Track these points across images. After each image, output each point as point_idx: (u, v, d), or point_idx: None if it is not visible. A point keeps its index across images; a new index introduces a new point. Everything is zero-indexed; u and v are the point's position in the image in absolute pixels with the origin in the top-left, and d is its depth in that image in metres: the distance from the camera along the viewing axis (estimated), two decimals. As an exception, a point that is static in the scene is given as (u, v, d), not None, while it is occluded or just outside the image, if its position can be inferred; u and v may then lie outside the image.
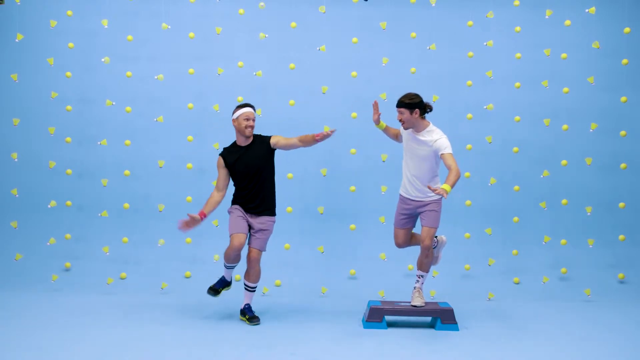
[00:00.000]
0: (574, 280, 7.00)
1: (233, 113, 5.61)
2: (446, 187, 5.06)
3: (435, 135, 5.35)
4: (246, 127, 5.51)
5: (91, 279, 6.87)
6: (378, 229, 6.96)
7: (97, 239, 7.26)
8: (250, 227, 5.59)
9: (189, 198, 6.98)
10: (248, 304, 5.62)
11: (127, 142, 7.04)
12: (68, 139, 6.95)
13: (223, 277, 5.75)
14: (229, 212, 5.61)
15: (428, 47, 6.99)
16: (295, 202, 7.11)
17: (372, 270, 6.92)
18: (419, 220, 5.67)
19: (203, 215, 5.48)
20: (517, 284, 6.97)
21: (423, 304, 5.50)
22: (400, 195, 5.60)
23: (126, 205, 7.00)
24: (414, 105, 5.32)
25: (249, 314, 5.55)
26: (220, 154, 5.63)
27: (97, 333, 5.13)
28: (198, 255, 7.28)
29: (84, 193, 7.43)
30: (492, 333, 5.31)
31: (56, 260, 7.11)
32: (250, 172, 5.52)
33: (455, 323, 5.38)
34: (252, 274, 5.58)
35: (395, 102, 5.42)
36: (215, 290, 5.69)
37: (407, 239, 5.69)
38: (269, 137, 5.61)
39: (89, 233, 7.37)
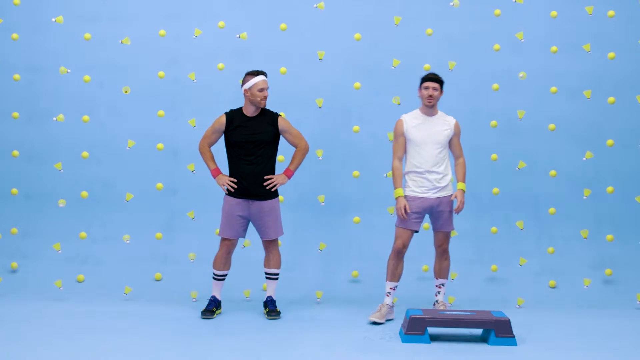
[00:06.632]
0: (621, 284, 6.68)
1: (243, 82, 5.59)
2: (463, 186, 5.61)
3: (450, 118, 5.72)
4: (262, 98, 5.58)
5: (41, 281, 6.53)
6: (386, 221, 6.54)
7: (49, 234, 6.94)
8: (250, 220, 5.69)
9: (159, 185, 6.65)
10: (270, 297, 5.71)
11: (85, 117, 6.69)
12: (15, 114, 6.58)
13: (213, 296, 5.74)
14: (223, 210, 5.67)
15: (451, 3, 6.70)
16: (287, 190, 6.65)
17: (378, 272, 6.40)
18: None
19: (219, 172, 5.68)
20: (553, 288, 6.66)
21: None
22: (408, 196, 5.70)
23: (84, 193, 6.63)
24: (443, 85, 5.74)
25: (269, 307, 5.63)
26: (225, 113, 5.67)
27: (46, 347, 4.81)
28: (170, 253, 6.93)
29: (34, 179, 7.16)
30: (518, 349, 4.93)
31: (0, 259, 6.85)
32: (249, 145, 5.59)
33: (513, 336, 5.04)
34: (272, 260, 5.73)
35: (425, 77, 5.64)
36: (209, 311, 5.63)
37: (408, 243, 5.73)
38: (277, 116, 5.67)
39: (39, 227, 7.07)
